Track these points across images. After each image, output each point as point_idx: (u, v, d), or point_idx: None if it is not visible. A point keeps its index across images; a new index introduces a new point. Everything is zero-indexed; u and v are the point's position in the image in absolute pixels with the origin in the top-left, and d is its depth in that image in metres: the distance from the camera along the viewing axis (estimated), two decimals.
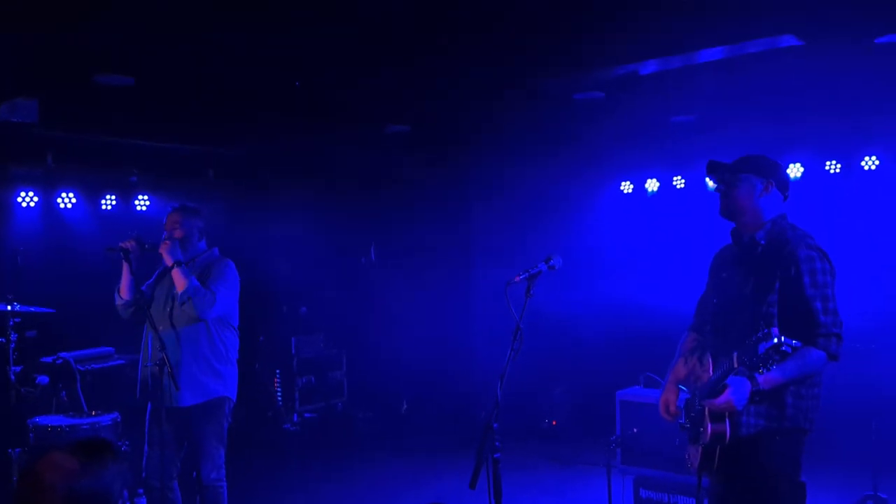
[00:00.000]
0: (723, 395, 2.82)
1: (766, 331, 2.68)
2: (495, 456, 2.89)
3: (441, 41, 4.74)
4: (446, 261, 8.44)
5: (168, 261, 4.18)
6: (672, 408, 3.26)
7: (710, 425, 2.91)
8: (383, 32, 4.54)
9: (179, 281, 4.14)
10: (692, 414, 3.14)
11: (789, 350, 2.66)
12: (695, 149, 6.87)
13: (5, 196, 6.38)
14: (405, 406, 8.45)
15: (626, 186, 7.74)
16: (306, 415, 8.34)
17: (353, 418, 8.27)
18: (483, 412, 7.26)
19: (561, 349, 7.39)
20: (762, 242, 3.05)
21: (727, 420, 2.88)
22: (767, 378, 2.80)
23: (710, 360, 3.05)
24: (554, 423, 7.72)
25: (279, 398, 8.24)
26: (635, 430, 5.02)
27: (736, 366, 2.79)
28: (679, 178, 7.37)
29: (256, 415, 7.94)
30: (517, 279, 3.17)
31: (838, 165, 6.58)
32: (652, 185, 7.56)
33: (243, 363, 4.52)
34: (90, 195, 6.99)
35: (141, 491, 4.73)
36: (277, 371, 8.27)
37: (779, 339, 2.64)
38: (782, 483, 2.95)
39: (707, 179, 6.42)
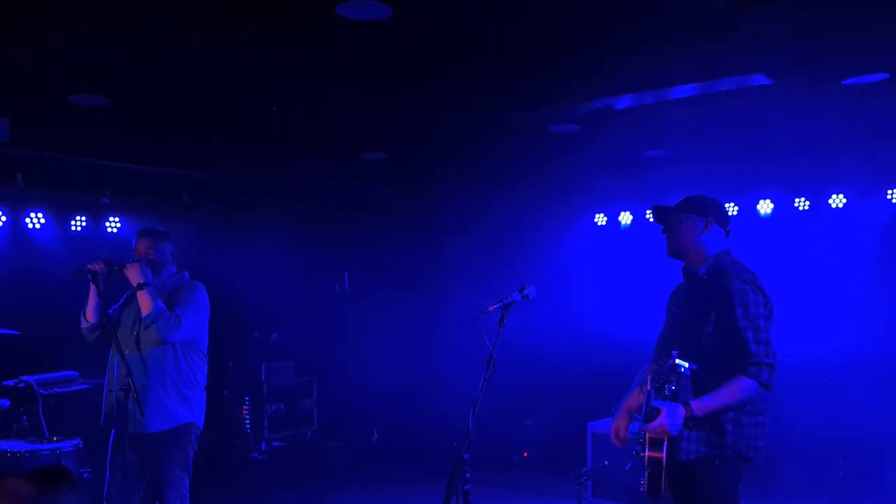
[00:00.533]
0: (656, 419, 2.97)
1: (675, 353, 2.96)
2: (465, 487, 2.86)
3: (419, 73, 4.78)
4: (420, 289, 8.42)
5: (134, 282, 4.11)
6: (621, 434, 3.41)
7: (647, 451, 3.04)
8: (362, 63, 4.57)
9: (145, 303, 4.07)
10: (641, 440, 3.23)
11: (686, 372, 2.95)
12: (668, 183, 6.97)
13: None
14: (376, 435, 8.35)
15: (600, 219, 7.81)
16: (275, 443, 8.19)
17: (323, 447, 8.14)
18: (455, 443, 7.19)
19: (533, 380, 7.37)
20: (703, 277, 3.24)
21: (664, 446, 3.02)
22: (700, 404, 2.98)
23: (650, 385, 3.21)
24: (525, 454, 7.67)
25: (247, 426, 8.10)
26: (606, 462, 5.00)
27: (649, 388, 3.02)
28: (649, 210, 7.45)
29: (224, 442, 7.78)
30: (491, 308, 3.19)
31: (807, 202, 6.71)
32: (625, 217, 7.63)
33: (212, 389, 4.44)
34: (60, 216, 6.87)
35: None
36: (246, 398, 8.13)
37: (674, 362, 2.93)
38: None
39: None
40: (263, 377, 8.18)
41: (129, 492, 4.06)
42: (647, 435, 3.04)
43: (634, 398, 3.42)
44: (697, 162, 6.68)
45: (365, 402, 8.08)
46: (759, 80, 4.75)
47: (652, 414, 3.00)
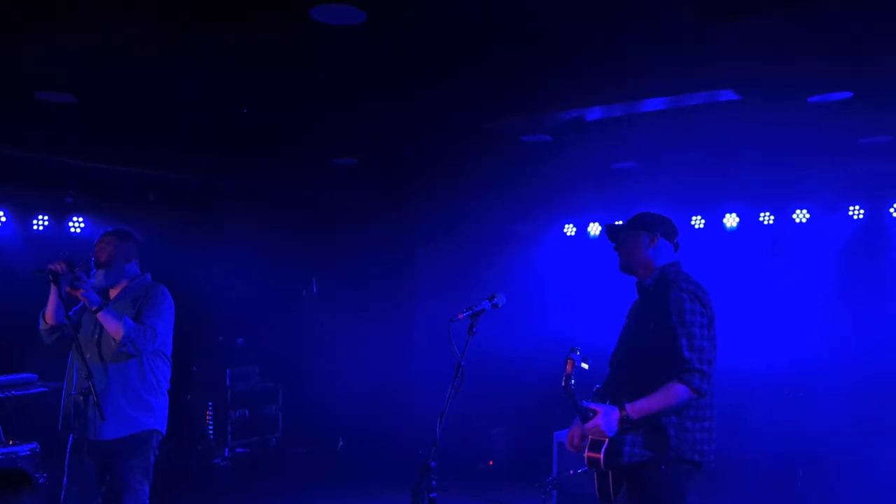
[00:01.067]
0: (592, 420, 3.16)
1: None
2: (432, 496, 2.84)
3: (393, 79, 4.78)
4: (389, 297, 8.39)
5: (91, 306, 3.97)
6: (576, 441, 3.47)
7: (587, 452, 3.19)
8: (335, 67, 4.56)
9: (112, 326, 3.94)
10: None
11: (578, 361, 3.21)
12: (637, 195, 7.05)
13: None
14: (341, 443, 8.29)
15: (570, 229, 7.86)
16: (238, 449, 8.09)
17: (288, 454, 8.06)
18: (421, 451, 7.17)
19: (500, 389, 7.38)
20: (650, 288, 3.39)
21: (603, 448, 3.16)
22: (634, 407, 3.14)
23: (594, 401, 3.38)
24: (491, 463, 7.67)
25: (210, 431, 7.98)
26: (571, 472, 5.02)
27: (568, 386, 3.22)
28: (620, 222, 7.51)
29: (186, 448, 7.66)
30: (460, 316, 3.20)
31: (772, 217, 6.83)
32: (594, 228, 7.70)
33: (174, 394, 4.36)
34: (21, 214, 6.74)
35: None
36: (210, 403, 8.03)
37: (575, 354, 3.20)
38: None
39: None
40: (228, 382, 8.08)
41: (87, 498, 3.96)
42: (588, 436, 3.20)
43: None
44: (666, 174, 6.76)
45: (331, 409, 8.02)
46: (727, 95, 4.83)
47: (587, 415, 3.15)
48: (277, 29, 3.98)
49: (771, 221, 6.84)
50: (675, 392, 3.11)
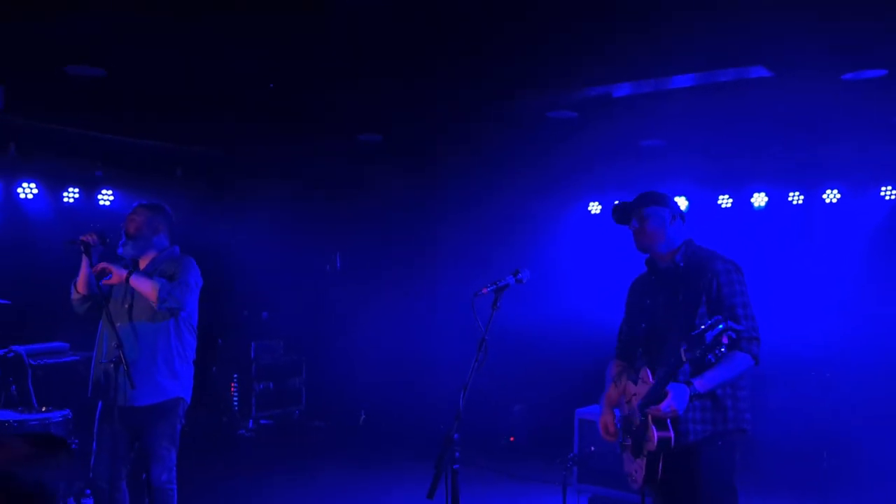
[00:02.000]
0: (665, 401, 3.00)
1: (710, 321, 2.90)
2: (454, 467, 2.87)
3: (417, 54, 4.76)
4: (411, 272, 8.42)
5: (119, 280, 4.02)
6: (611, 428, 3.42)
7: (655, 432, 3.05)
8: (361, 43, 4.55)
9: (146, 287, 4.01)
10: (633, 428, 3.25)
11: (734, 335, 2.89)
12: (663, 173, 6.98)
13: None
14: (363, 417, 8.38)
15: (594, 207, 7.81)
16: (262, 421, 8.22)
17: (311, 427, 8.18)
18: (442, 425, 7.23)
19: (522, 365, 7.40)
20: (681, 264, 3.30)
21: (670, 426, 3.05)
22: (703, 382, 3.05)
23: (649, 372, 3.21)
24: (512, 438, 7.72)
25: (235, 403, 8.11)
26: (593, 448, 5.03)
27: (684, 359, 2.95)
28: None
29: (211, 419, 7.80)
30: (485, 291, 3.18)
31: (801, 196, 6.72)
32: None
33: (200, 366, 4.44)
34: (53, 187, 6.84)
35: (88, 492, 4.62)
36: (235, 376, 8.15)
37: (725, 324, 2.86)
38: (719, 487, 3.13)
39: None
40: (252, 355, 8.20)
41: (117, 463, 4.06)
42: (649, 417, 3.07)
43: (613, 393, 3.46)
44: (693, 152, 6.68)
45: (353, 382, 8.10)
46: (759, 72, 4.75)
47: (659, 396, 3.03)
48: (303, 5, 3.98)
49: (800, 201, 6.73)
50: (739, 361, 3.09)
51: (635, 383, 3.29)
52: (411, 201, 8.40)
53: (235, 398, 8.11)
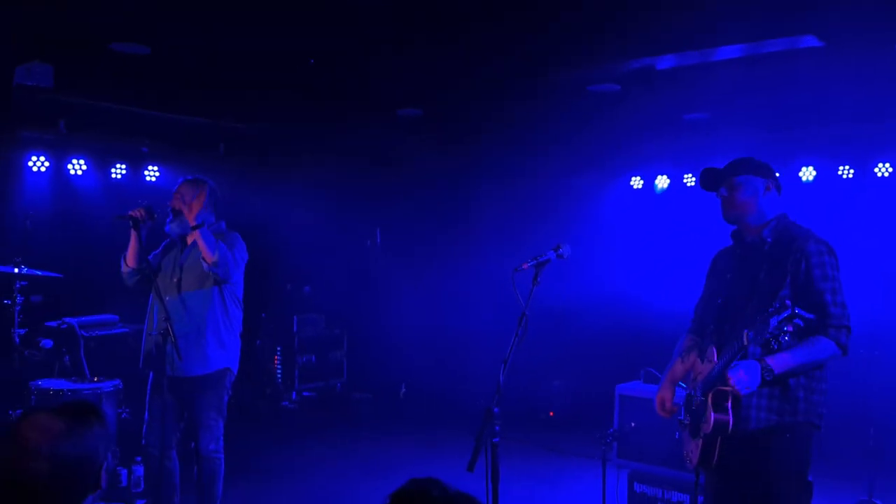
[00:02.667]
0: (735, 374, 2.82)
1: (778, 305, 2.70)
2: (495, 440, 2.89)
3: (458, 28, 4.72)
4: (451, 246, 8.44)
5: (192, 222, 4.14)
6: (668, 404, 3.30)
7: (712, 415, 2.91)
8: (401, 16, 4.53)
9: (209, 245, 4.09)
10: (693, 408, 3.14)
11: (801, 323, 2.68)
12: (707, 147, 6.85)
13: (17, 159, 6.39)
14: (404, 389, 8.48)
15: (636, 182, 7.71)
16: (305, 393, 8.37)
17: (352, 399, 8.30)
18: (482, 399, 7.27)
19: (562, 340, 7.39)
20: (769, 240, 3.08)
21: (730, 410, 2.89)
22: (776, 360, 2.84)
23: (715, 352, 3.04)
24: (552, 413, 7.74)
25: (279, 375, 8.27)
26: (633, 424, 5.02)
27: (746, 343, 2.78)
28: (690, 175, 7.34)
29: (255, 391, 7.97)
30: (525, 266, 3.16)
31: (851, 171, 6.54)
32: (662, 181, 7.53)
33: (244, 339, 4.54)
34: (101, 163, 6.99)
35: (139, 459, 4.78)
36: (278, 348, 8.30)
37: (793, 310, 2.66)
38: (790, 482, 2.95)
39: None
40: (295, 329, 8.33)
41: (167, 432, 4.19)
42: (710, 397, 2.92)
43: (679, 367, 3.31)
44: (738, 126, 6.53)
45: (394, 356, 8.19)
46: (809, 41, 4.61)
47: (721, 378, 2.87)
48: None
49: (850, 175, 6.55)
50: (821, 346, 2.88)
51: (702, 361, 3.14)
52: (451, 176, 8.39)
53: (279, 371, 8.26)
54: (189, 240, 4.34)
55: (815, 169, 6.65)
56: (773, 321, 2.68)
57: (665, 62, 5.26)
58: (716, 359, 3.01)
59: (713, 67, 5.25)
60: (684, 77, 5.47)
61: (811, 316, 2.74)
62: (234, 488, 5.14)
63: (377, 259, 8.93)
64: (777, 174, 3.13)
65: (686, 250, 7.13)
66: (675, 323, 6.88)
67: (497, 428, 2.89)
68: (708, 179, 3.23)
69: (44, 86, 5.26)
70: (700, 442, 3.02)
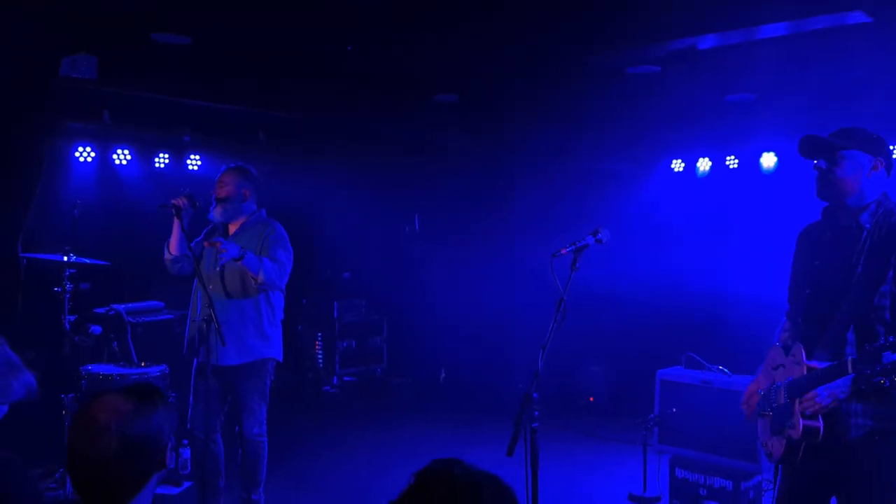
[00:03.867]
0: (822, 391, 2.61)
1: (892, 339, 2.44)
2: (534, 425, 2.89)
3: (494, 8, 4.68)
4: (489, 231, 8.42)
5: (231, 257, 4.10)
6: (753, 400, 3.04)
7: (801, 421, 2.68)
8: (436, 3, 4.50)
9: (254, 269, 4.13)
10: (775, 405, 2.89)
11: None
12: (750, 129, 6.70)
13: (64, 150, 6.55)
14: (443, 375, 8.52)
15: (678, 165, 7.59)
16: (346, 378, 8.47)
17: (392, 384, 8.37)
18: (521, 384, 7.27)
19: (602, 326, 7.34)
20: (867, 226, 2.76)
21: (821, 417, 2.66)
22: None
23: (803, 352, 2.76)
24: (591, 399, 7.71)
25: (320, 361, 8.38)
26: (674, 409, 4.98)
27: (850, 371, 2.55)
28: (732, 157, 7.20)
29: (297, 376, 8.09)
30: (563, 251, 3.12)
31: None
32: (703, 164, 7.40)
33: (286, 325, 4.60)
34: (144, 153, 7.12)
35: (186, 441, 4.89)
36: (319, 334, 8.40)
37: None
38: (880, 488, 2.69)
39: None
40: (336, 314, 8.42)
41: (211, 416, 4.28)
42: (797, 404, 2.68)
43: (778, 354, 2.98)
44: (783, 106, 6.37)
45: (433, 341, 8.22)
46: (857, 17, 4.46)
47: (811, 388, 2.63)
48: None
49: None
50: None
51: (786, 354, 2.88)
52: (488, 161, 8.36)
53: (320, 356, 8.36)
54: (231, 229, 4.40)
55: None
56: (888, 357, 2.41)
57: (707, 42, 5.15)
58: (804, 359, 2.75)
59: (756, 46, 5.12)
60: (727, 57, 5.35)
61: None
62: (278, 470, 5.24)
63: (416, 244, 8.96)
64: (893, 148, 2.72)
65: (727, 234, 7.01)
66: (715, 307, 6.79)
67: (536, 413, 2.89)
68: (807, 147, 2.89)
69: (88, 77, 5.36)
70: (784, 440, 2.81)
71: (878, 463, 2.67)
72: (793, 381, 2.78)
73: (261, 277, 4.14)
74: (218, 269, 4.30)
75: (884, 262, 2.67)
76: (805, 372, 2.71)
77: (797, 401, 2.71)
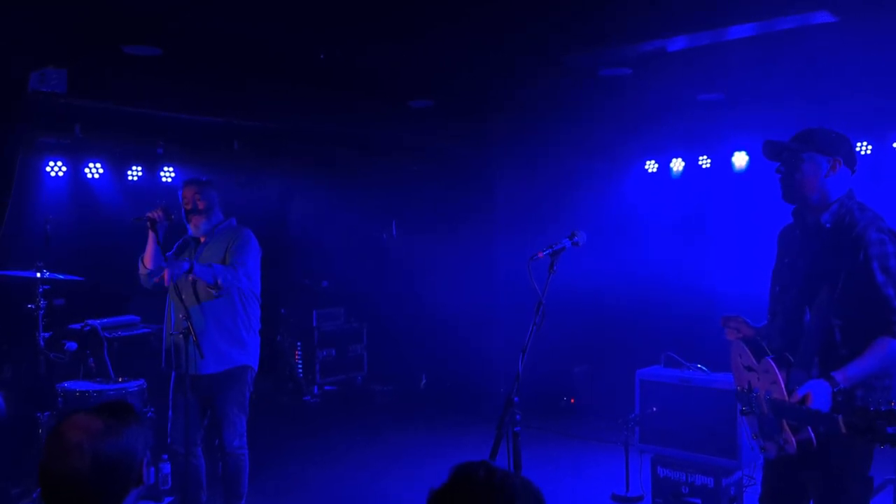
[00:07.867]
0: (808, 404, 2.61)
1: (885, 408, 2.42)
2: (516, 429, 2.90)
3: (466, 13, 4.70)
4: (468, 236, 8.45)
5: (180, 276, 4.11)
6: (744, 330, 3.01)
7: (793, 438, 2.70)
8: (407, 6, 4.52)
9: (207, 278, 4.13)
10: (758, 412, 2.90)
11: None
12: (722, 128, 6.78)
13: (34, 165, 6.46)
14: (424, 381, 8.52)
15: (651, 165, 7.67)
16: (326, 387, 8.43)
17: (373, 392, 8.35)
18: (503, 388, 7.29)
19: (582, 327, 7.39)
20: (827, 226, 2.81)
21: (810, 429, 2.66)
22: (846, 375, 2.64)
23: (775, 368, 2.77)
24: (572, 400, 7.74)
25: (300, 370, 8.33)
26: (654, 409, 5.01)
27: (843, 430, 2.49)
28: (705, 157, 7.29)
29: (277, 386, 8.04)
30: (541, 255, 3.16)
31: (869, 147, 6.46)
32: (677, 164, 7.48)
33: (265, 335, 4.58)
34: (117, 166, 7.05)
35: (165, 456, 4.84)
36: (298, 343, 8.36)
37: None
38: (850, 481, 2.78)
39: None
40: (315, 323, 8.39)
41: (191, 429, 4.24)
42: (785, 423, 2.70)
43: (743, 351, 3.00)
44: (753, 105, 6.47)
45: (413, 347, 8.22)
46: (823, 17, 4.54)
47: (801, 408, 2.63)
48: None
49: (868, 151, 6.47)
50: (890, 350, 2.63)
51: (758, 360, 2.87)
52: (465, 165, 8.38)
53: (300, 366, 8.32)
54: (202, 239, 4.38)
55: None
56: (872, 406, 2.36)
57: (676, 44, 5.21)
58: (778, 376, 2.75)
59: (726, 47, 5.19)
60: (697, 58, 5.42)
61: None
62: (260, 482, 5.20)
63: (395, 250, 8.96)
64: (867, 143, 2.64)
65: (703, 233, 7.09)
66: (694, 306, 6.85)
67: (518, 417, 2.90)
68: (769, 151, 2.96)
69: (58, 91, 5.30)
70: (776, 447, 2.81)
71: (839, 453, 2.71)
72: (776, 402, 2.76)
73: (218, 282, 4.12)
74: (191, 279, 4.27)
75: (838, 263, 2.72)
76: (785, 395, 2.71)
77: (784, 421, 2.72)
